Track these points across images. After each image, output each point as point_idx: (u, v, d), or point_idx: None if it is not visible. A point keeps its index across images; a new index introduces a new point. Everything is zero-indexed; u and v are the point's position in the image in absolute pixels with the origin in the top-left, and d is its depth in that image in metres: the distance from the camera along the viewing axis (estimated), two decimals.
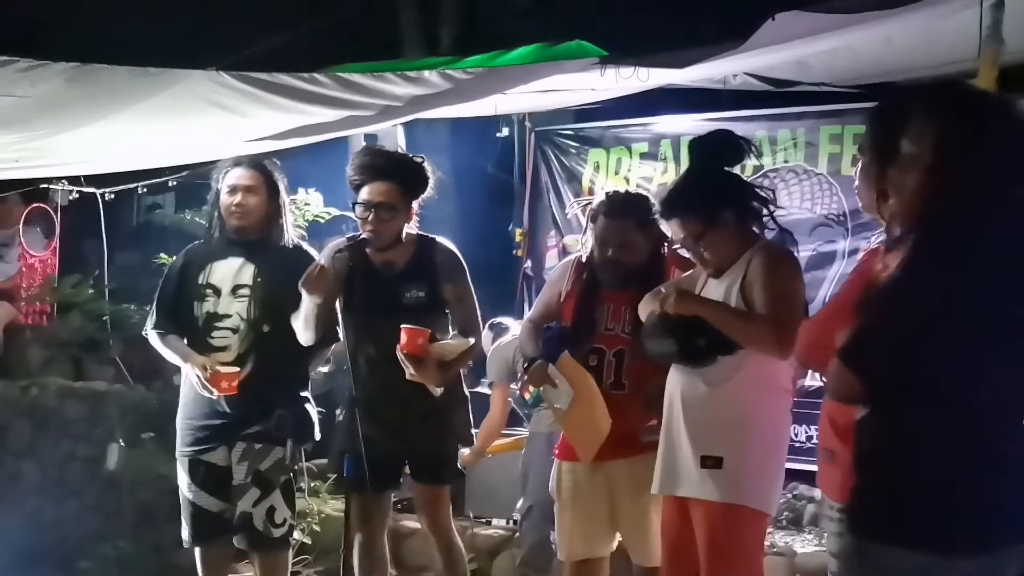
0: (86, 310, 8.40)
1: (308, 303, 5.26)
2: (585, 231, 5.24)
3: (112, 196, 8.32)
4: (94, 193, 8.25)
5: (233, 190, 5.60)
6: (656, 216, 4.89)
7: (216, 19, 10.42)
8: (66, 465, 7.95)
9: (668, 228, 4.61)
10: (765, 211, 4.46)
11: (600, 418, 4.83)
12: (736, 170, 4.61)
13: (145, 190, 8.68)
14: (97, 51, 5.52)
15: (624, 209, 5.05)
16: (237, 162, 5.71)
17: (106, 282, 8.33)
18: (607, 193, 5.19)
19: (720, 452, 4.26)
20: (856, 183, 4.18)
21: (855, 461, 3.18)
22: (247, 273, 5.61)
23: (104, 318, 8.19)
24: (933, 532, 2.97)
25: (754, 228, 4.47)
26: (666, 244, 5.03)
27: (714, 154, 4.50)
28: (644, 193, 5.54)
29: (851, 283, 3.69)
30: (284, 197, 5.74)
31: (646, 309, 4.57)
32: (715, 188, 4.44)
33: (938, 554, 2.97)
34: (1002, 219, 2.96)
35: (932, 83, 3.37)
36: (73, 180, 8.28)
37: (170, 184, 8.57)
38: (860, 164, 3.86)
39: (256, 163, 5.70)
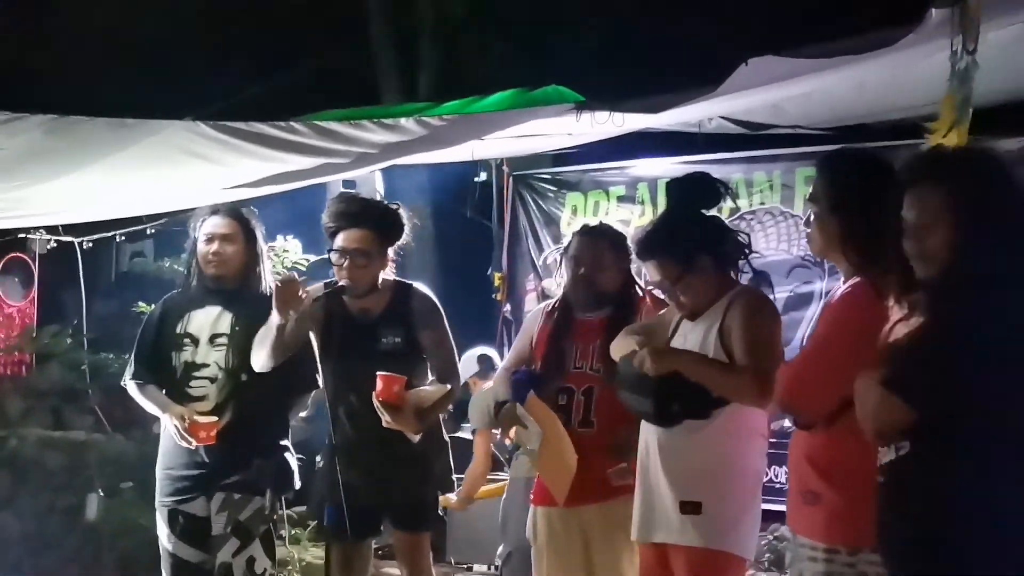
0: (65, 360, 8.39)
1: (273, 322, 5.21)
2: (560, 269, 5.29)
3: (90, 244, 8.32)
4: (72, 242, 8.25)
5: (210, 239, 5.60)
6: (629, 249, 4.99)
7: (193, 69, 10.45)
8: (46, 516, 7.90)
9: (645, 269, 4.60)
10: (741, 256, 4.46)
11: (568, 456, 4.87)
12: (714, 213, 4.61)
13: (123, 238, 8.67)
14: (74, 103, 5.53)
15: (596, 231, 5.18)
16: (214, 210, 5.70)
17: (85, 331, 8.32)
18: (583, 224, 5.30)
19: (699, 497, 4.25)
20: (807, 230, 4.19)
21: (889, 501, 3.18)
22: (225, 322, 5.59)
23: (83, 368, 8.19)
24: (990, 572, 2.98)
25: (731, 272, 4.47)
26: (639, 279, 5.08)
27: (692, 196, 4.49)
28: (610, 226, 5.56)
29: (833, 328, 3.71)
30: (262, 245, 5.73)
31: (619, 349, 4.56)
32: (692, 231, 4.42)
33: None
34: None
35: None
36: (51, 229, 8.28)
37: (148, 232, 8.57)
38: (812, 213, 3.88)
39: (233, 211, 5.69)
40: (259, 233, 5.71)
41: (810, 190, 4.01)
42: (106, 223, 8.09)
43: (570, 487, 4.90)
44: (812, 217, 3.86)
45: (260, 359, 5.36)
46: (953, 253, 3.09)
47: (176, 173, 6.06)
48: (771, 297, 4.48)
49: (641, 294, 5.14)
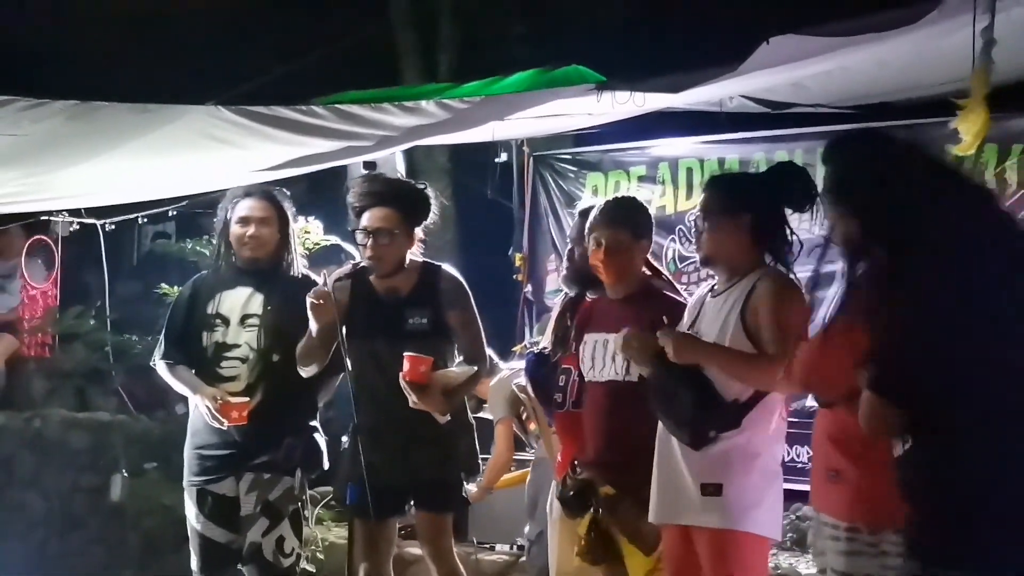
0: (88, 341, 8.44)
1: (313, 333, 5.28)
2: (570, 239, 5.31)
3: (112, 227, 8.35)
4: (94, 224, 8.28)
5: (245, 221, 5.61)
6: (651, 229, 5.02)
7: (214, 54, 10.46)
8: (70, 496, 7.96)
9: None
10: (786, 247, 4.41)
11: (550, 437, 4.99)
12: None
13: (146, 220, 8.71)
14: (96, 89, 5.55)
15: (619, 215, 5.01)
16: (247, 192, 5.70)
17: (108, 312, 8.36)
18: (605, 200, 5.18)
19: (719, 479, 4.26)
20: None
21: (906, 492, 3.19)
22: (256, 303, 5.60)
23: (106, 348, 8.23)
24: (1003, 556, 2.99)
25: (764, 253, 4.43)
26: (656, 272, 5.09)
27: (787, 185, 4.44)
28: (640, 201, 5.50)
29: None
30: (293, 227, 5.75)
31: (641, 351, 4.54)
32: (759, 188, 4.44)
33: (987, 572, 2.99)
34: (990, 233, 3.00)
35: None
36: (74, 211, 8.31)
37: (170, 214, 8.61)
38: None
39: (267, 194, 5.70)
40: (291, 216, 5.73)
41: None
42: (128, 205, 8.11)
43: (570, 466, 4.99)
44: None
45: (308, 365, 5.41)
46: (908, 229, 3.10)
47: (198, 157, 6.08)
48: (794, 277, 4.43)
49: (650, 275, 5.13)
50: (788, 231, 4.41)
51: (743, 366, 4.26)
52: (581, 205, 5.55)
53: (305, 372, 5.44)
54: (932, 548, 3.10)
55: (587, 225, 4.93)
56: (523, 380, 5.23)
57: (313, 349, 5.34)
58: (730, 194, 4.49)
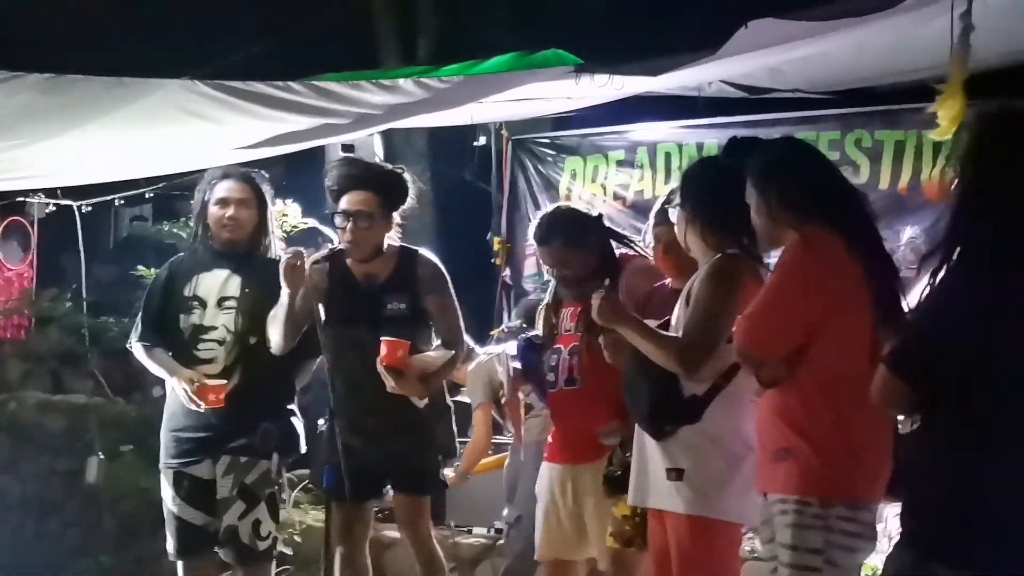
0: (64, 323, 8.40)
1: (283, 299, 5.25)
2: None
3: (89, 208, 8.30)
4: (71, 206, 8.23)
5: (224, 203, 5.58)
6: (590, 226, 5.06)
7: (191, 29, 10.42)
8: (46, 479, 7.93)
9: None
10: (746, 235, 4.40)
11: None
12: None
13: (122, 202, 8.66)
14: (71, 62, 5.52)
15: (549, 232, 5.07)
16: (226, 174, 5.67)
17: (84, 295, 8.31)
18: (538, 220, 5.21)
19: (682, 464, 4.24)
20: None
21: (907, 477, 3.18)
22: (233, 285, 5.58)
23: (82, 331, 8.18)
24: (1003, 556, 2.97)
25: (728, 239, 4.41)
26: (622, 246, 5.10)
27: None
28: (569, 207, 5.53)
29: (781, 273, 3.75)
30: (272, 210, 5.73)
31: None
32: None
33: (984, 571, 2.98)
34: None
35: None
36: (49, 192, 8.26)
37: (147, 196, 8.56)
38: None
39: (246, 176, 5.67)
40: (269, 198, 5.71)
41: None
42: (105, 187, 8.07)
43: (563, 446, 5.02)
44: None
45: (277, 340, 5.38)
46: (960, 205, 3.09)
47: (174, 132, 6.04)
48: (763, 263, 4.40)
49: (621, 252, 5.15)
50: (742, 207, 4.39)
51: (653, 345, 4.24)
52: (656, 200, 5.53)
53: (273, 346, 5.40)
54: (928, 539, 3.07)
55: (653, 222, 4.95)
56: (505, 364, 5.21)
57: (280, 321, 5.30)
58: (680, 187, 4.50)
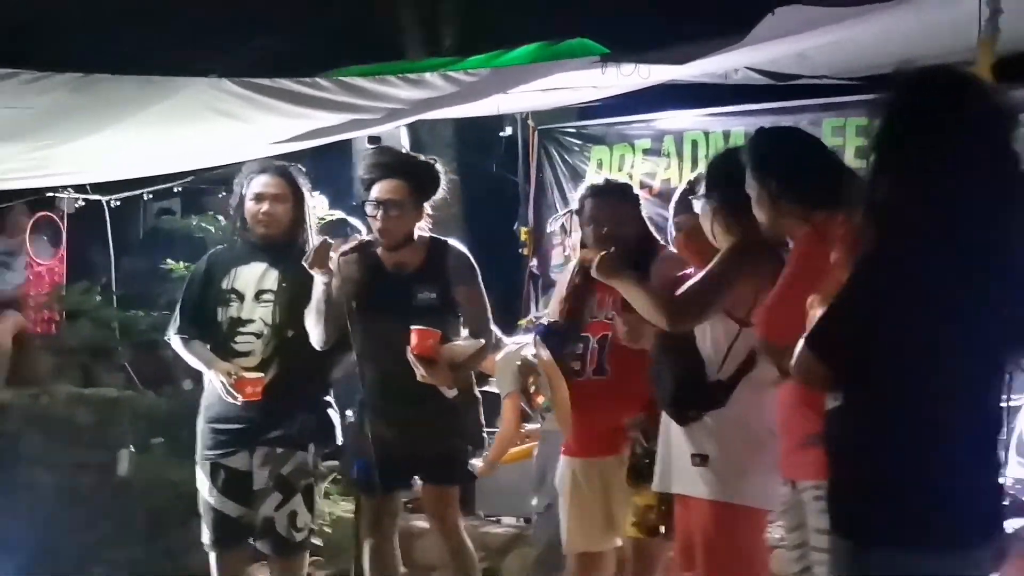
0: (94, 317, 8.42)
1: (318, 288, 5.29)
2: (570, 229, 5.29)
3: (118, 203, 8.34)
4: (100, 200, 8.27)
5: (259, 198, 5.59)
6: (639, 199, 5.12)
7: (216, 25, 10.43)
8: (77, 472, 7.95)
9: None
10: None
11: (565, 406, 4.97)
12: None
13: (151, 196, 8.70)
14: (100, 61, 5.54)
15: (609, 188, 5.16)
16: (263, 168, 5.68)
17: (114, 289, 8.35)
18: (586, 185, 5.29)
19: (707, 450, 4.26)
20: None
21: (829, 456, 3.20)
22: (271, 278, 5.60)
23: (113, 325, 8.22)
24: (918, 529, 2.98)
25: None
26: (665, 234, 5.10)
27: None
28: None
29: (797, 264, 3.75)
30: (309, 203, 5.73)
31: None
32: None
33: (922, 551, 2.98)
34: (961, 205, 2.97)
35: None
36: (79, 188, 8.31)
37: (175, 190, 8.59)
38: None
39: (282, 170, 5.67)
40: (306, 191, 5.71)
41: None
42: (133, 181, 8.11)
43: (589, 438, 5.00)
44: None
45: (319, 333, 5.40)
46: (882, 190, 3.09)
47: (202, 130, 6.07)
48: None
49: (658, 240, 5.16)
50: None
51: (646, 298, 4.28)
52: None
53: (315, 340, 5.43)
54: (854, 519, 3.08)
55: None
56: (536, 350, 5.19)
57: (319, 313, 5.34)
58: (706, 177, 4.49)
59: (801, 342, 3.14)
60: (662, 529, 4.69)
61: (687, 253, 4.83)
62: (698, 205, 4.46)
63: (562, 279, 5.42)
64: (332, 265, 5.27)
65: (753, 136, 4.18)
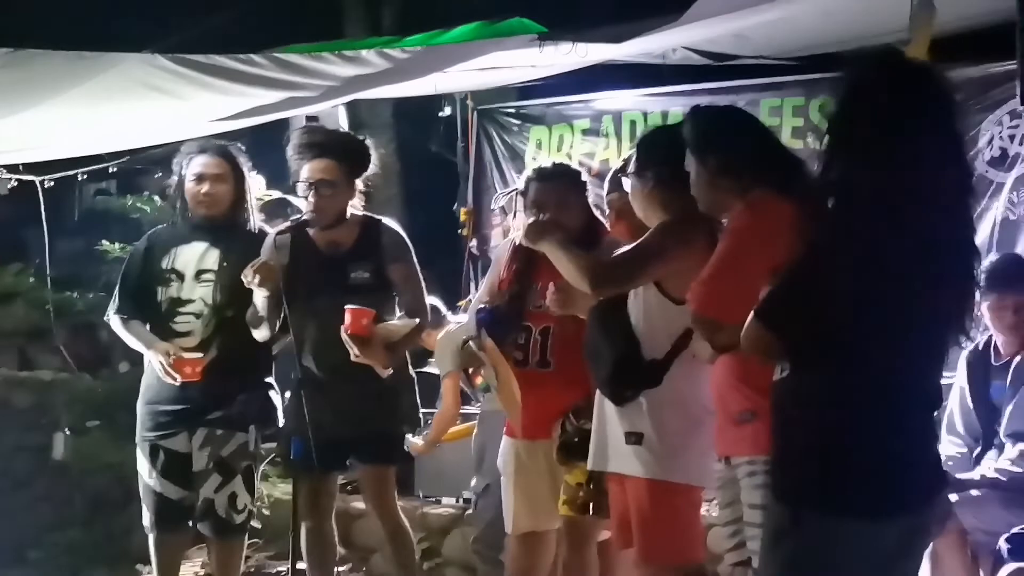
0: (29, 299, 8.34)
1: (258, 297, 5.27)
2: (515, 215, 5.27)
3: (52, 183, 8.23)
4: (33, 181, 8.16)
5: (200, 178, 5.57)
6: (585, 183, 5.08)
7: (154, 2, 10.32)
8: (13, 455, 7.88)
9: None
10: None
11: (515, 392, 4.95)
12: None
13: (85, 177, 8.59)
14: (30, 36, 5.47)
15: (555, 173, 5.12)
16: (202, 148, 5.67)
17: (48, 270, 8.25)
18: (534, 167, 5.27)
19: (640, 428, 4.27)
20: None
21: (775, 426, 3.23)
22: (212, 258, 5.58)
23: (47, 307, 8.13)
24: (859, 497, 3.03)
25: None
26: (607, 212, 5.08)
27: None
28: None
29: (733, 236, 3.76)
30: (249, 183, 5.71)
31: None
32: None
33: (864, 518, 3.03)
34: (909, 183, 3.02)
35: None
36: (11, 168, 8.18)
37: (111, 170, 8.50)
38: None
39: (222, 150, 5.66)
40: (246, 171, 5.69)
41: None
42: (68, 162, 8.01)
43: (534, 422, 4.98)
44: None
45: (264, 334, 5.42)
46: (835, 164, 3.13)
47: (136, 107, 6.00)
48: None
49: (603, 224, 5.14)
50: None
51: (572, 261, 4.27)
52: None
53: (260, 339, 5.43)
54: (798, 489, 3.12)
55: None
56: (480, 337, 5.16)
57: (261, 315, 5.35)
58: (635, 156, 4.49)
59: (751, 314, 3.16)
60: (591, 507, 4.70)
61: (619, 231, 4.84)
62: (627, 183, 4.46)
63: (498, 256, 5.40)
64: (270, 259, 5.25)
65: (690, 114, 4.17)
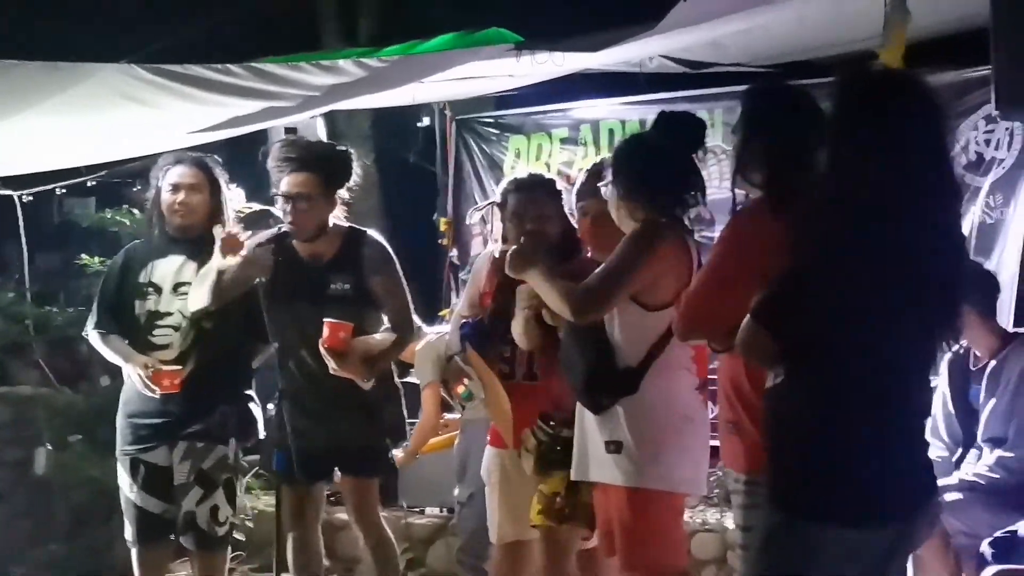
0: (8, 313, 8.30)
1: (213, 265, 5.28)
2: (491, 227, 5.27)
3: (30, 198, 8.22)
4: (11, 195, 8.15)
5: (175, 188, 5.56)
6: (562, 193, 5.06)
7: (128, 11, 10.31)
8: None
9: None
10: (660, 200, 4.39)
11: (505, 405, 4.96)
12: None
13: (64, 191, 8.58)
14: (5, 46, 5.45)
15: (532, 183, 5.13)
16: (178, 159, 5.65)
17: (27, 285, 8.24)
18: (510, 179, 5.27)
19: (620, 436, 4.27)
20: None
21: (769, 432, 3.23)
22: (189, 270, 5.56)
23: (26, 321, 8.11)
24: (850, 505, 3.04)
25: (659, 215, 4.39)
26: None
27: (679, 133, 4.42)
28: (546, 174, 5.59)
29: (723, 246, 3.71)
30: (226, 194, 5.69)
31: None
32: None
33: (855, 526, 3.04)
34: (898, 190, 3.05)
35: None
36: None
37: (89, 184, 8.48)
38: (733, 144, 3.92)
39: (198, 161, 5.65)
40: (223, 182, 5.68)
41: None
42: (45, 175, 7.99)
43: (517, 433, 4.95)
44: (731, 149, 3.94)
45: (198, 297, 5.38)
46: (831, 170, 3.16)
47: (114, 118, 5.99)
48: (711, 236, 4.43)
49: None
50: (682, 187, 4.38)
51: (554, 291, 4.28)
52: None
53: (194, 301, 5.41)
54: (793, 495, 3.14)
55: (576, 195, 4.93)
56: (465, 350, 5.16)
57: (206, 282, 5.34)
58: (612, 165, 4.48)
59: (747, 316, 3.18)
60: (567, 516, 4.70)
61: (591, 238, 4.84)
62: (606, 191, 4.47)
63: (477, 268, 5.40)
64: (244, 252, 5.25)
65: (690, 117, 4.21)
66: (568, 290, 4.25)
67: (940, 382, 5.49)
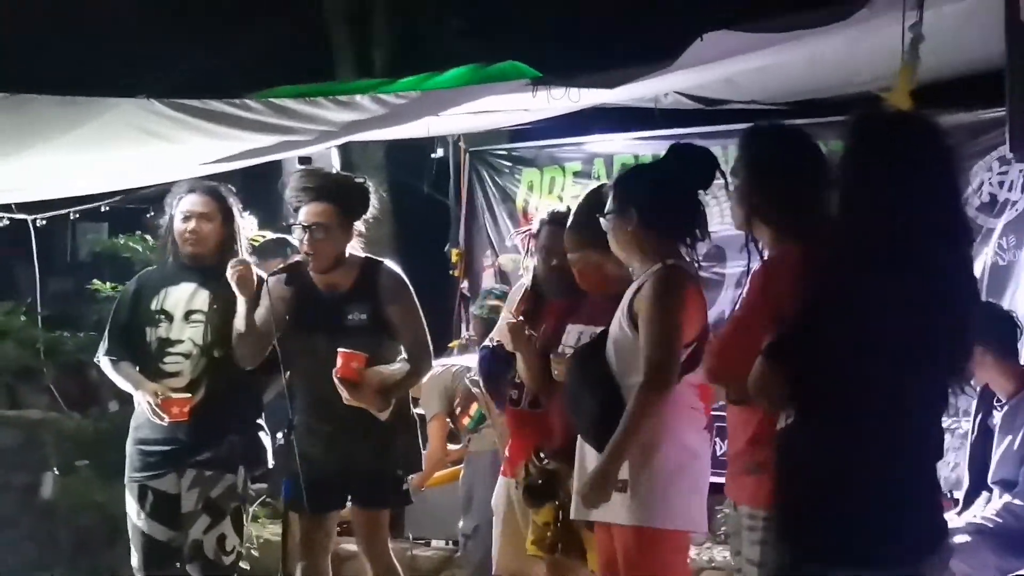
0: (19, 338, 8.33)
1: (242, 309, 5.28)
2: (526, 255, 5.25)
3: (44, 222, 8.25)
4: (25, 219, 8.17)
5: (187, 217, 5.56)
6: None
7: (144, 45, 10.36)
8: (1, 495, 7.86)
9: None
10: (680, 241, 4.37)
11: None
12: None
13: (78, 216, 8.61)
14: (25, 81, 5.48)
15: (566, 220, 4.98)
16: (191, 188, 5.66)
17: (39, 309, 8.26)
18: (549, 211, 5.22)
19: (625, 475, 4.22)
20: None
21: (779, 472, 3.23)
22: (201, 299, 5.56)
23: (38, 346, 8.13)
24: (863, 547, 3.03)
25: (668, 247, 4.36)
26: None
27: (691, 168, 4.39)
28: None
29: (755, 295, 3.69)
30: (239, 222, 5.69)
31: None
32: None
33: (864, 569, 3.03)
34: (918, 228, 3.06)
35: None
36: (3, 207, 8.20)
37: (103, 209, 8.51)
38: (733, 186, 3.90)
39: (211, 189, 5.65)
40: (236, 211, 5.67)
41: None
42: (60, 201, 8.02)
43: (522, 461, 4.93)
44: (733, 190, 3.89)
45: (243, 353, 5.41)
46: (844, 210, 3.17)
47: (130, 151, 6.02)
48: (721, 272, 4.43)
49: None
50: (691, 222, 4.36)
51: (634, 420, 4.16)
52: (537, 206, 5.50)
53: (240, 360, 5.42)
54: (800, 535, 3.13)
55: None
56: (474, 375, 5.18)
57: (242, 333, 5.33)
58: (615, 195, 4.41)
59: (759, 356, 3.18)
60: (559, 547, 4.69)
61: (586, 286, 4.80)
62: (605, 224, 4.38)
63: (512, 297, 5.35)
64: (260, 287, 5.26)
65: (705, 151, 4.22)
66: (646, 397, 4.14)
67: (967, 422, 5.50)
